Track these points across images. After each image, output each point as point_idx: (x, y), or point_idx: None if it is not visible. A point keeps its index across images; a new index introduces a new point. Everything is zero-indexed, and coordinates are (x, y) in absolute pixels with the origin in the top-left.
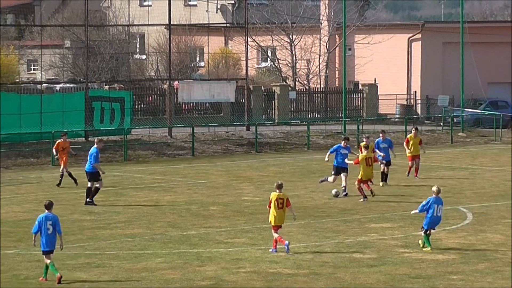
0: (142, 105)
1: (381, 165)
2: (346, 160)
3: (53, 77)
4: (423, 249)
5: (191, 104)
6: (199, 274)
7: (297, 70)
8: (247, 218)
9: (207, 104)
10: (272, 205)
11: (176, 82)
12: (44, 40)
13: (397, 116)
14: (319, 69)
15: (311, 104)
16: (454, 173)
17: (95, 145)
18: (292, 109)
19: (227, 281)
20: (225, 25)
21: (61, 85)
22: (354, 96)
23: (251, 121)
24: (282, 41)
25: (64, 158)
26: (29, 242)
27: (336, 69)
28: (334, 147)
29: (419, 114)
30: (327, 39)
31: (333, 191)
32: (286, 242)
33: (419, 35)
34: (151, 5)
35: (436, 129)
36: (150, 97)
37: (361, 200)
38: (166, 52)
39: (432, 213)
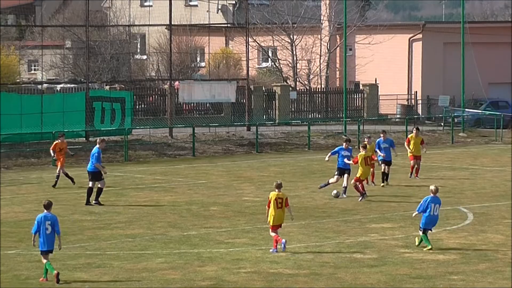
0: (142, 105)
1: (381, 165)
2: (346, 160)
3: (53, 78)
4: (423, 249)
5: (192, 105)
6: (200, 274)
7: (297, 70)
8: (248, 218)
9: (207, 104)
10: (271, 204)
11: (177, 82)
12: (45, 40)
13: (398, 116)
14: (320, 69)
15: (311, 104)
16: (455, 173)
17: (97, 145)
18: (292, 109)
19: (228, 281)
20: (226, 25)
21: (61, 85)
22: (355, 96)
23: (252, 121)
24: (283, 41)
25: (61, 159)
26: (29, 242)
27: (337, 69)
28: (336, 149)
29: (420, 114)
30: (328, 39)
31: (334, 192)
32: (283, 240)
33: (420, 35)
34: (151, 6)
35: (436, 129)
36: (150, 97)
37: (360, 199)
38: (167, 52)
39: (429, 212)
